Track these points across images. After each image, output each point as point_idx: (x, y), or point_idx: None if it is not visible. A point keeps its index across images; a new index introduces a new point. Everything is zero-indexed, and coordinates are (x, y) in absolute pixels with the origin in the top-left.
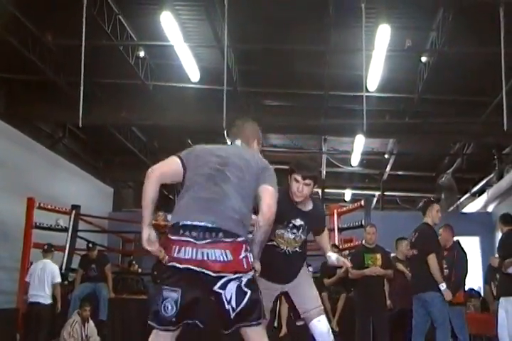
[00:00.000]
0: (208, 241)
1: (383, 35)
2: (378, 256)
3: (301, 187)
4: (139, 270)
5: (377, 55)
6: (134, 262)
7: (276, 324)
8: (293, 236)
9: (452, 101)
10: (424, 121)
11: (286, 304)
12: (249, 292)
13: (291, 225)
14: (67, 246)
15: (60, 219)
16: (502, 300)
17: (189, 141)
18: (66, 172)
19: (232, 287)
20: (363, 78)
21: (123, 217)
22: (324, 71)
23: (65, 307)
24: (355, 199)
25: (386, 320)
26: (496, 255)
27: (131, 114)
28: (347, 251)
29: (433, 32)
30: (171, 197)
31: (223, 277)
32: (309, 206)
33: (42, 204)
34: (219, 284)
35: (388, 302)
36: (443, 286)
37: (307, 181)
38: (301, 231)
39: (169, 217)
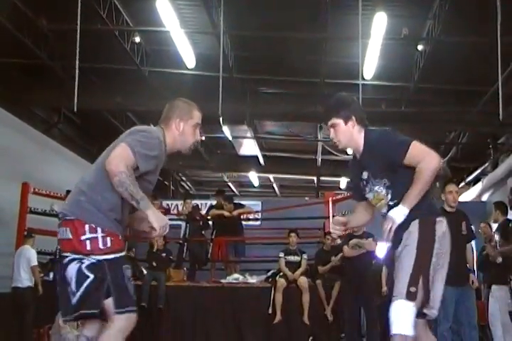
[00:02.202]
0: (60, 221)
1: (380, 23)
2: (364, 240)
3: (330, 134)
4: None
5: (374, 43)
6: (133, 249)
7: (270, 310)
8: (373, 194)
9: (448, 90)
10: (420, 110)
11: (282, 292)
12: (91, 276)
13: (364, 183)
14: None
15: (54, 204)
16: (493, 288)
17: None
18: (61, 158)
19: (72, 268)
20: (360, 66)
21: None
22: (321, 58)
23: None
24: (349, 187)
25: (375, 307)
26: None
27: (126, 100)
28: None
29: (429, 20)
30: (166, 183)
31: (67, 256)
32: (361, 147)
33: (36, 190)
34: (63, 263)
35: (384, 288)
36: None
37: (329, 123)
38: (371, 182)
39: (165, 203)
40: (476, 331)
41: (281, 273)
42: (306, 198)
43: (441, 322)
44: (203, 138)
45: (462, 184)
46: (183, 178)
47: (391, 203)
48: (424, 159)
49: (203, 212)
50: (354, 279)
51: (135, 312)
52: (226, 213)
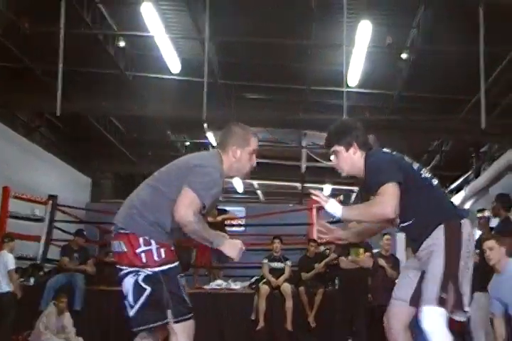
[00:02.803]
0: (113, 233)
1: (364, 31)
2: (361, 250)
3: (333, 161)
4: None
5: (358, 50)
6: (111, 253)
7: (253, 317)
8: None
9: (432, 99)
10: (404, 118)
11: (265, 298)
12: (148, 289)
13: None
14: (44, 236)
15: (36, 209)
16: (476, 295)
17: (169, 133)
18: (43, 162)
19: (128, 281)
20: (344, 74)
21: (101, 208)
22: (306, 65)
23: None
24: (334, 194)
25: (365, 314)
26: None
27: (110, 104)
28: (322, 247)
29: (413, 29)
30: None
31: (122, 269)
32: (362, 172)
33: (17, 194)
34: (120, 275)
35: (369, 295)
36: None
37: (330, 150)
38: None
39: None
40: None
41: (264, 280)
42: (290, 205)
43: None
44: (187, 143)
45: (446, 191)
46: None
47: (403, 225)
48: (381, 204)
49: None
50: (348, 287)
51: (192, 319)
52: (210, 219)
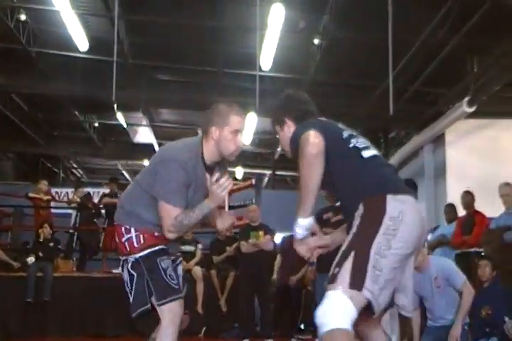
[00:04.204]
0: None
1: (277, 14)
2: (261, 233)
3: None
4: None
5: (271, 34)
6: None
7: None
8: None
9: (342, 84)
10: (315, 103)
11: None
12: (135, 275)
13: None
14: None
15: None
16: None
17: (76, 113)
18: None
19: (124, 270)
20: (257, 57)
21: (1, 190)
22: (218, 48)
23: None
24: (246, 177)
25: (270, 296)
26: None
27: (10, 81)
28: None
29: (326, 15)
30: (55, 170)
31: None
32: None
33: None
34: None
35: (274, 276)
36: None
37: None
38: None
39: (54, 190)
40: None
41: None
42: None
43: None
44: (96, 124)
45: None
46: (75, 165)
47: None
48: (303, 148)
49: (96, 200)
50: (250, 271)
51: (178, 299)
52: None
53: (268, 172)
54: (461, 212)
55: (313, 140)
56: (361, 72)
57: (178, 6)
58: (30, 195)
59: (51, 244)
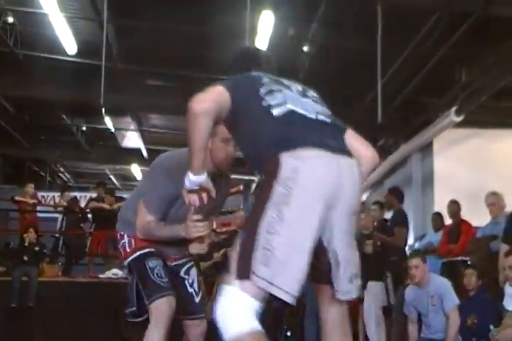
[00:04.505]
0: None
1: (266, 21)
2: None
3: None
4: None
5: (260, 40)
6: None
7: None
8: None
9: (331, 92)
10: None
11: None
12: (130, 278)
13: None
14: None
15: None
16: (370, 284)
17: (64, 116)
18: None
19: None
20: None
21: None
22: (208, 54)
23: None
24: (234, 183)
25: None
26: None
27: None
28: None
29: (315, 23)
30: (42, 173)
31: None
32: None
33: None
34: None
35: None
36: None
37: None
38: None
39: (40, 194)
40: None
41: None
42: None
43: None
44: (84, 128)
45: None
46: (61, 169)
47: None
48: (189, 104)
49: (83, 204)
50: None
51: (166, 296)
52: (106, 206)
53: (256, 177)
54: (448, 221)
55: (204, 97)
56: (350, 80)
57: (168, 11)
58: (17, 198)
59: (36, 248)
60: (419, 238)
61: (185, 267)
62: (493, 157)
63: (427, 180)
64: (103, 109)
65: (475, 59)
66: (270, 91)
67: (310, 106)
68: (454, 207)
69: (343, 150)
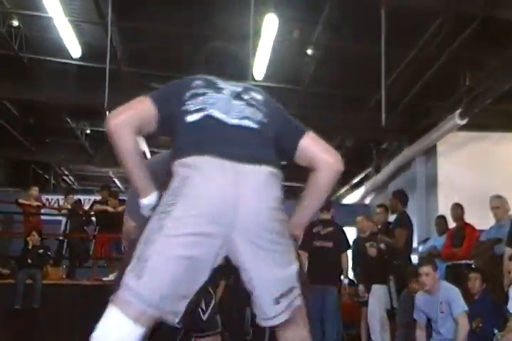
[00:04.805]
0: None
1: (270, 24)
2: None
3: None
4: None
5: (264, 44)
6: None
7: None
8: None
9: (335, 95)
10: (308, 114)
11: None
12: None
13: None
14: None
15: None
16: (374, 287)
17: (68, 120)
18: None
19: None
20: (250, 67)
21: None
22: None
23: None
24: None
25: None
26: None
27: (2, 86)
28: None
29: (319, 26)
30: (46, 176)
31: None
32: None
33: None
34: None
35: None
36: None
37: None
38: None
39: (45, 197)
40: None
41: None
42: None
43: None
44: (88, 131)
45: (346, 187)
46: (66, 172)
47: None
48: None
49: (87, 207)
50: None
51: None
52: (110, 209)
53: None
54: (452, 224)
55: (118, 111)
56: (354, 83)
57: (171, 13)
58: (21, 201)
59: (40, 251)
60: (423, 241)
61: None
62: (497, 160)
63: (431, 184)
64: (107, 112)
65: (479, 62)
66: (194, 96)
67: (237, 110)
68: (458, 210)
69: (251, 158)
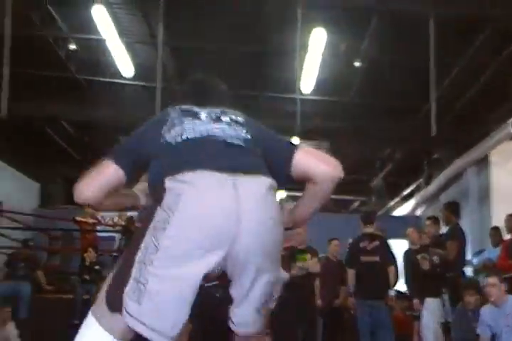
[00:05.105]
0: None
1: (318, 38)
2: (308, 256)
3: None
4: None
5: (312, 57)
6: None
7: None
8: None
9: (384, 106)
10: (357, 125)
11: None
12: None
13: None
14: None
15: None
16: (427, 301)
17: (121, 138)
18: None
19: None
20: (298, 80)
21: (49, 214)
22: (259, 71)
23: None
24: (288, 201)
25: (316, 321)
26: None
27: (61, 108)
28: None
29: (366, 38)
30: None
31: None
32: None
33: None
34: None
35: (318, 301)
36: None
37: None
38: None
39: (100, 214)
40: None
41: None
42: None
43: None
44: None
45: (397, 199)
46: None
47: None
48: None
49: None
50: (296, 294)
51: None
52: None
53: None
54: (507, 236)
55: (86, 183)
56: (403, 94)
57: (219, 30)
58: (78, 218)
59: (97, 267)
60: (476, 253)
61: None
62: None
63: (484, 194)
64: None
65: None
66: (171, 126)
67: (219, 130)
68: None
69: (246, 169)
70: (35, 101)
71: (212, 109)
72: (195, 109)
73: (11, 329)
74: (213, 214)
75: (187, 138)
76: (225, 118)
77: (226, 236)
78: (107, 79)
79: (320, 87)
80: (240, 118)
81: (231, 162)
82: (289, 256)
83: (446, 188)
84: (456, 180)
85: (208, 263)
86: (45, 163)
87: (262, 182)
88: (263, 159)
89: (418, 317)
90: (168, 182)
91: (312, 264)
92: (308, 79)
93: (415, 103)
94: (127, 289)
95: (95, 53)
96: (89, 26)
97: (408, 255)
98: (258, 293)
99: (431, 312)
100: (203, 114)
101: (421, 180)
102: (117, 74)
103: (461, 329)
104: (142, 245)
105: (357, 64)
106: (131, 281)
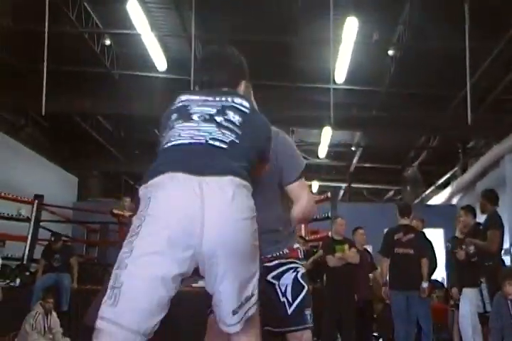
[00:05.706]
0: None
1: (351, 27)
2: (346, 246)
3: None
4: None
5: (345, 47)
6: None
7: None
8: None
9: (418, 95)
10: (391, 114)
11: None
12: (306, 287)
13: None
14: (29, 236)
15: (22, 208)
16: (465, 290)
17: (156, 131)
18: (29, 161)
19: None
20: (331, 70)
21: (88, 207)
22: (292, 62)
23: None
24: (322, 191)
25: (353, 311)
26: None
27: (96, 103)
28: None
29: (400, 26)
30: (137, 187)
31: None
32: None
33: (3, 194)
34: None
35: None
36: None
37: None
38: None
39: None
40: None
41: None
42: None
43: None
44: None
45: (432, 187)
46: None
47: None
48: None
49: None
50: (337, 284)
51: None
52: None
53: (344, 185)
54: None
55: None
56: (437, 82)
57: (251, 22)
58: (114, 211)
59: None
60: None
61: (277, 271)
62: None
63: None
64: None
65: None
66: (166, 129)
67: (205, 132)
68: None
69: (215, 170)
70: (70, 97)
71: (212, 105)
72: (192, 106)
73: (54, 318)
74: (179, 213)
75: (173, 145)
76: (219, 118)
77: (192, 235)
78: (140, 73)
79: (354, 76)
80: (239, 118)
81: (204, 164)
82: (327, 247)
83: (482, 176)
84: (493, 167)
85: (179, 262)
86: (82, 157)
87: (229, 182)
88: (246, 162)
89: (457, 307)
90: (142, 190)
91: (351, 255)
92: (341, 69)
93: (450, 90)
94: (104, 299)
95: (129, 48)
96: (122, 21)
97: (452, 243)
98: (228, 290)
99: (468, 302)
100: (196, 114)
101: (456, 168)
102: (151, 67)
103: (500, 319)
104: (120, 253)
105: (391, 52)
106: (108, 291)
